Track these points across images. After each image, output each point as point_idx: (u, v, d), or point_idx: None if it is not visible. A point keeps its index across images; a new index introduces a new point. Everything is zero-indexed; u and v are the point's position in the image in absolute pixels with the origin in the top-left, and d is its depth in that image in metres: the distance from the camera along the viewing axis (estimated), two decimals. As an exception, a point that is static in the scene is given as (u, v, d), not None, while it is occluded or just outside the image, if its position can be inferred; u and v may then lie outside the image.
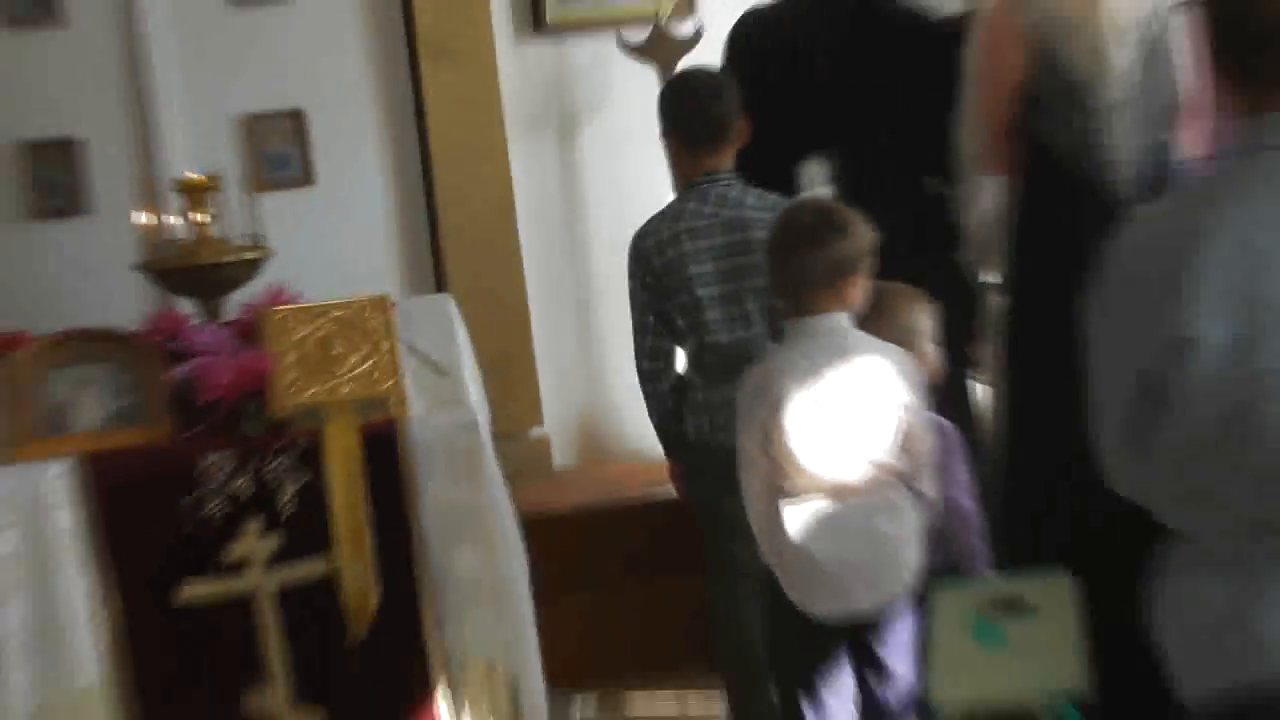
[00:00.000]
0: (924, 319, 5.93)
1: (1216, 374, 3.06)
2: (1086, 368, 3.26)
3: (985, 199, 6.40)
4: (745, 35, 7.00)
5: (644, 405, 6.74)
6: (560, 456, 9.27)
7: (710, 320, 6.49)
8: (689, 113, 6.63)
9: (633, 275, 6.65)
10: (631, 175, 8.46)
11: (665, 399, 6.62)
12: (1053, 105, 6.14)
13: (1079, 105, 6.13)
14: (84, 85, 9.12)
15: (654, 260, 6.56)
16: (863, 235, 5.65)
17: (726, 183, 6.54)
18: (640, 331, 6.64)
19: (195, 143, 9.05)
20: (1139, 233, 3.30)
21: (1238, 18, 3.10)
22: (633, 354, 6.71)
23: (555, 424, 9.31)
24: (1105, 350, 3.22)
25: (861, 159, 6.68)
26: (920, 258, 6.24)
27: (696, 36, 8.78)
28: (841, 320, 5.66)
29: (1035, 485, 6.12)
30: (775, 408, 5.61)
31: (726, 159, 6.55)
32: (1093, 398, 3.24)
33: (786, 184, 6.62)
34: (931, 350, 5.90)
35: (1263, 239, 3.05)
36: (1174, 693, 3.24)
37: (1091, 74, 6.11)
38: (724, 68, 6.88)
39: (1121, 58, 6.12)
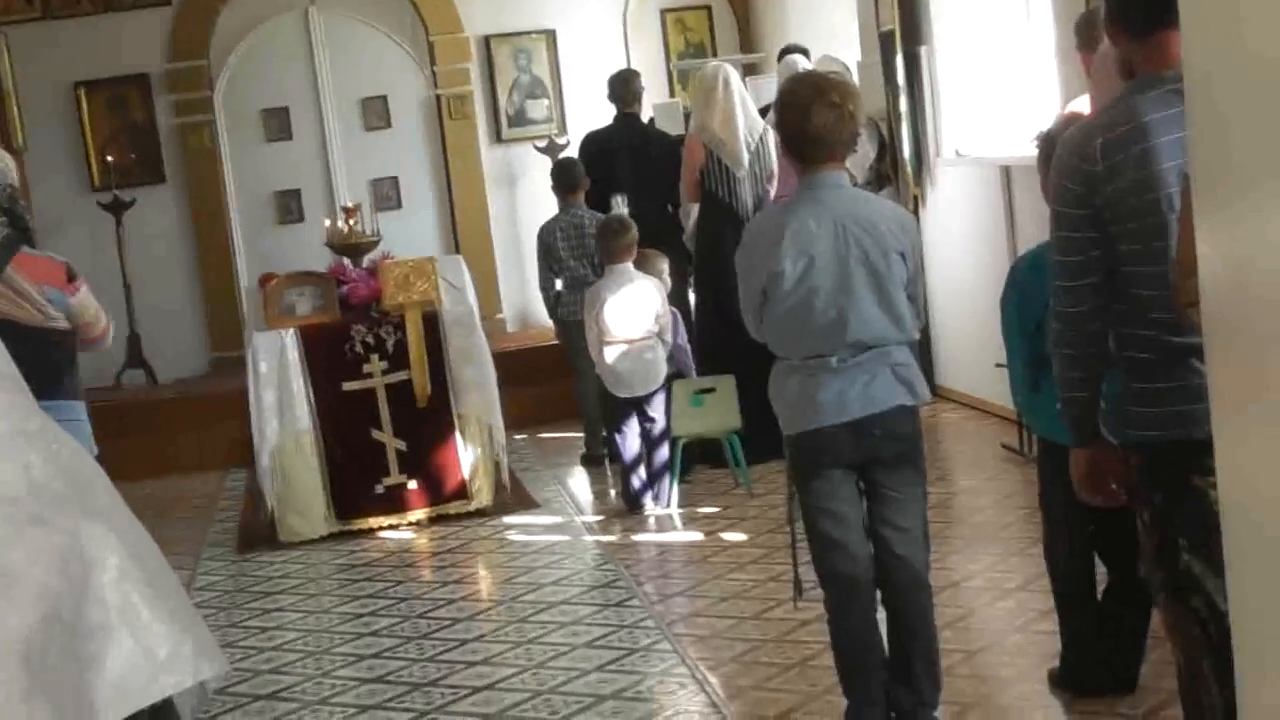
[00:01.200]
0: (664, 266, 5.84)
1: (792, 287, 3.01)
2: (736, 284, 3.19)
3: (691, 214, 6.30)
4: (588, 142, 6.86)
5: (543, 303, 6.60)
6: (510, 327, 9.07)
7: (570, 266, 6.33)
8: (564, 177, 6.49)
9: (538, 246, 6.48)
10: (540, 204, 8.19)
11: (552, 300, 6.46)
12: (715, 175, 6.04)
13: (727, 175, 6.03)
14: (301, 165, 8.95)
15: (546, 239, 6.41)
16: (635, 230, 5.58)
17: (579, 208, 6.39)
18: (541, 271, 6.47)
19: (349, 190, 8.83)
20: (756, 226, 3.26)
21: (798, 131, 3.03)
22: (538, 281, 6.56)
23: (507, 312, 9.12)
24: (744, 277, 3.17)
25: (640, 196, 6.51)
26: (664, 239, 6.15)
27: (567, 144, 8.57)
28: (629, 267, 5.57)
29: (716, 337, 6.04)
30: (600, 305, 5.53)
31: (579, 197, 6.40)
32: (741, 298, 3.18)
33: (606, 208, 6.45)
34: (668, 280, 5.81)
35: (809, 226, 3.02)
36: (781, 431, 3.19)
37: (732, 162, 6.04)
38: (580, 156, 6.73)
39: (744, 155, 6.04)
